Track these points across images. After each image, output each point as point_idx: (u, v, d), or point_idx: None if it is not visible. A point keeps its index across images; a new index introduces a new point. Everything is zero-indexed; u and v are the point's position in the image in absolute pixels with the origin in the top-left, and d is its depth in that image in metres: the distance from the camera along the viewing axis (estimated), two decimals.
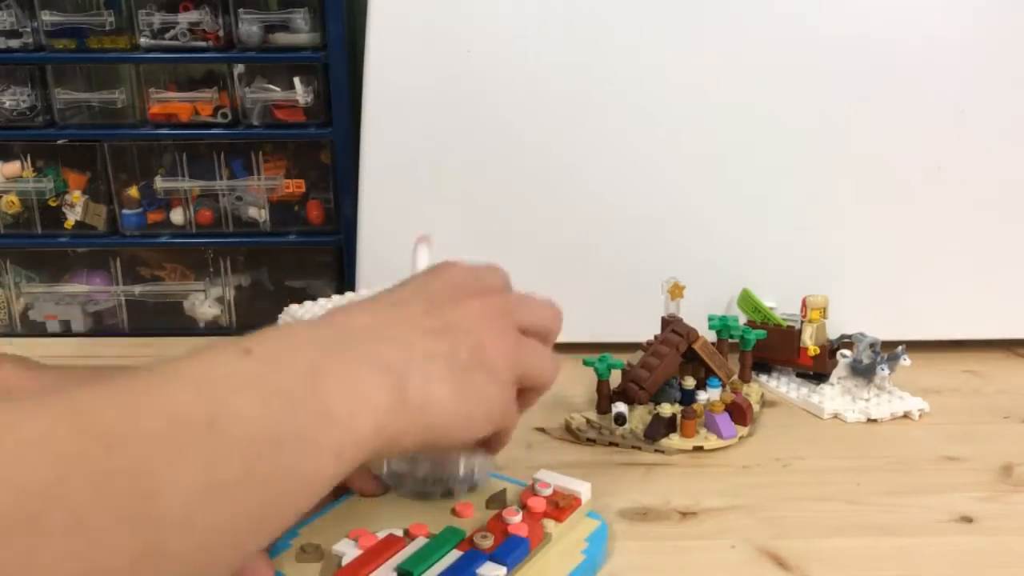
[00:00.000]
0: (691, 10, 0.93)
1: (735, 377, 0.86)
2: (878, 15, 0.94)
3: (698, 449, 0.78)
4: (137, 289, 1.11)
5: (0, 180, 1.09)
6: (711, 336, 0.88)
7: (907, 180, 0.97)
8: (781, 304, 0.95)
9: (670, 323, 0.85)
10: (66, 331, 1.12)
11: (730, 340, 0.89)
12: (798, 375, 0.93)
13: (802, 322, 0.91)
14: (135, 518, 0.30)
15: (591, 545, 0.65)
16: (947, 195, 0.97)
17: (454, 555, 0.60)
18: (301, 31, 1.04)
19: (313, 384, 0.39)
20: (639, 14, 0.93)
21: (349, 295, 0.92)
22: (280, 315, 0.89)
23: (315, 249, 1.10)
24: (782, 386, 0.92)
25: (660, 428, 0.78)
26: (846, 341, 0.90)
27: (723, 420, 0.79)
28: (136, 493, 0.30)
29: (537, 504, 0.65)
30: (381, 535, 0.62)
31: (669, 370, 0.82)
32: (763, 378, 0.95)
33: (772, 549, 0.66)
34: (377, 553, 0.60)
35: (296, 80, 1.05)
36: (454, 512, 0.66)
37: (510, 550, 0.60)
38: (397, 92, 0.97)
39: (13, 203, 1.10)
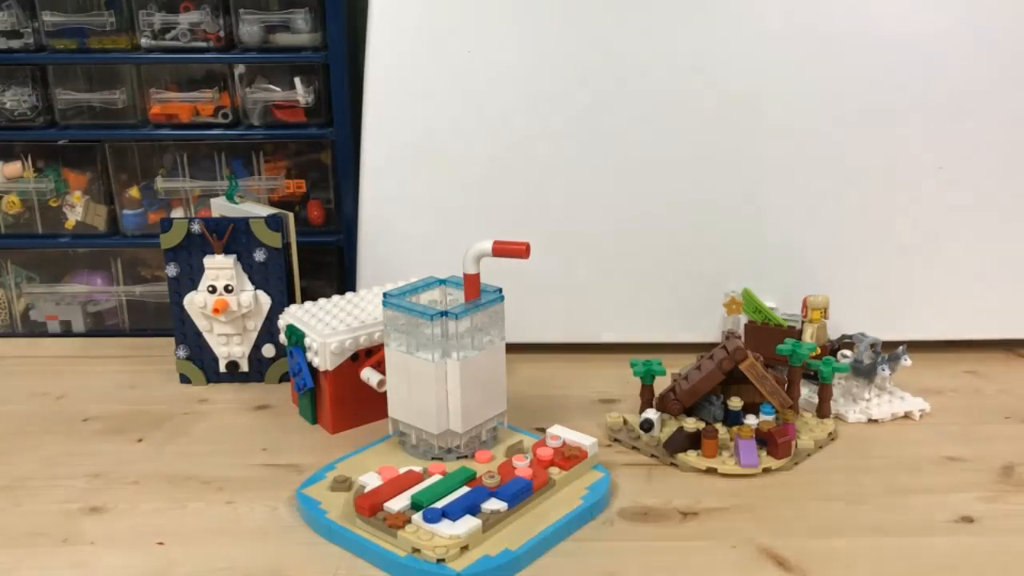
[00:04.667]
0: (692, 10, 0.93)
1: (790, 408, 0.79)
2: (879, 16, 0.94)
3: (711, 471, 0.75)
4: (138, 289, 1.11)
5: (1, 180, 1.09)
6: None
7: (908, 180, 0.97)
8: (781, 304, 0.95)
9: (726, 339, 0.80)
10: (67, 331, 1.12)
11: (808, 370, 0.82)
12: None
13: (803, 322, 0.91)
14: None
15: (590, 493, 0.71)
16: (947, 195, 0.97)
17: (463, 490, 0.68)
18: (302, 31, 1.04)
19: None
20: (640, 13, 0.93)
21: (349, 295, 0.93)
22: (280, 315, 0.89)
23: (315, 249, 1.10)
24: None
25: (681, 442, 0.76)
26: (847, 341, 0.90)
27: (746, 446, 0.75)
28: None
29: (545, 453, 0.73)
30: (404, 471, 0.71)
31: (707, 385, 0.78)
32: None
33: (772, 549, 0.66)
34: (395, 484, 0.69)
35: (297, 80, 1.05)
36: (472, 458, 0.75)
37: (513, 489, 0.68)
38: (397, 92, 0.97)
39: (14, 203, 1.10)
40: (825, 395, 0.83)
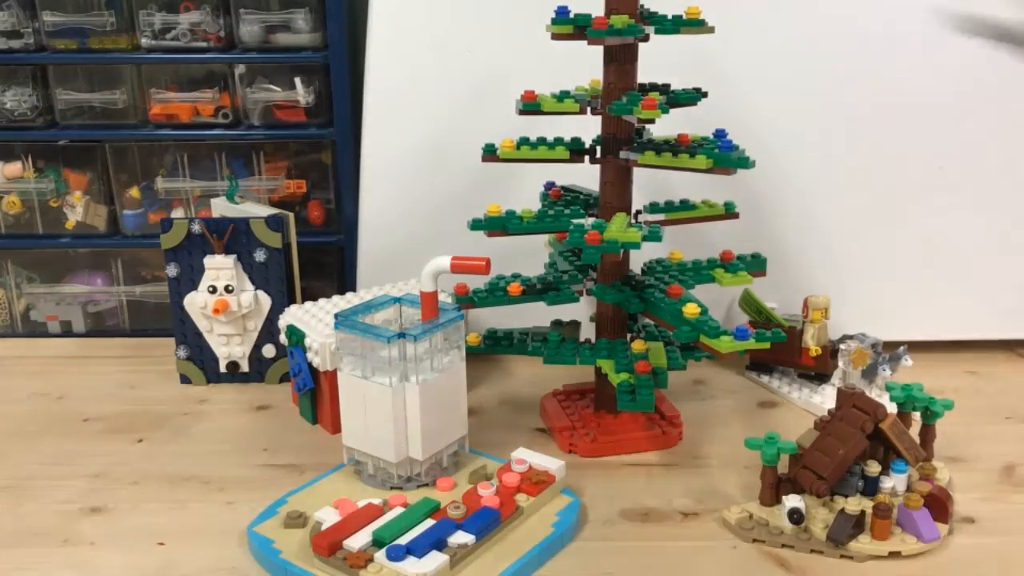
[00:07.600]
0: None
1: (928, 462, 0.71)
2: (880, 17, 0.94)
3: (895, 555, 0.64)
4: (138, 289, 1.11)
5: (1, 180, 1.09)
6: (890, 409, 0.71)
7: (908, 180, 0.97)
8: (782, 304, 0.95)
9: (850, 397, 0.68)
10: (67, 331, 1.12)
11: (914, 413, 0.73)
12: (800, 375, 0.93)
13: (804, 322, 0.91)
14: None
15: (561, 519, 0.68)
16: (948, 195, 0.97)
17: (427, 523, 0.65)
18: (302, 31, 1.04)
19: None
20: None
21: (349, 295, 0.92)
22: (280, 315, 0.89)
23: (315, 249, 1.10)
24: (784, 386, 0.92)
25: (847, 529, 0.64)
26: (848, 342, 0.90)
27: (923, 518, 0.65)
28: None
29: (511, 479, 0.70)
30: (362, 504, 0.67)
31: (854, 454, 0.66)
32: (764, 378, 0.95)
33: (773, 549, 0.67)
34: (354, 519, 0.65)
35: (297, 80, 1.05)
36: (434, 486, 0.71)
37: (480, 520, 0.65)
38: (397, 92, 0.97)
39: (14, 203, 1.10)
40: (929, 437, 0.74)
